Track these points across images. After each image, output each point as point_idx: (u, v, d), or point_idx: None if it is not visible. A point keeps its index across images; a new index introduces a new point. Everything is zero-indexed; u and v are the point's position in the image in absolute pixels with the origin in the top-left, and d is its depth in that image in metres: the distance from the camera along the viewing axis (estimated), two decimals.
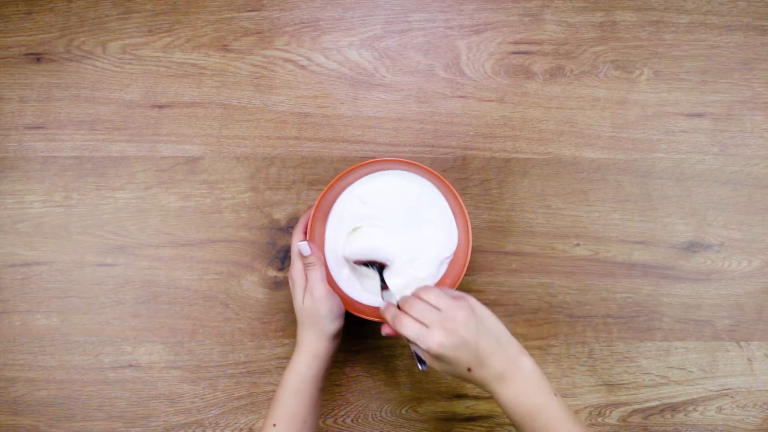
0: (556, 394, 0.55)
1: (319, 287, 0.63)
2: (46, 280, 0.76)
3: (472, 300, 0.57)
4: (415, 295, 0.58)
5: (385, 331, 0.59)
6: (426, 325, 0.55)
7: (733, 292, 0.76)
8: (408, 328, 0.55)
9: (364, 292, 0.69)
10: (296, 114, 0.77)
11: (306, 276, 0.64)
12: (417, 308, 0.56)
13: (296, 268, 0.64)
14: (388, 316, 0.58)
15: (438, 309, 0.56)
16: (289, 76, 0.78)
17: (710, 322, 0.76)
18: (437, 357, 0.54)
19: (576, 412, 0.76)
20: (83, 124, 0.77)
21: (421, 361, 0.58)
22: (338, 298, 0.65)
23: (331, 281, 0.67)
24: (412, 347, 0.58)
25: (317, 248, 0.65)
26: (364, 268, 0.68)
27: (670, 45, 0.78)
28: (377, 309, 0.68)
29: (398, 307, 0.59)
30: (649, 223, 0.77)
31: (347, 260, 0.68)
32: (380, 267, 0.68)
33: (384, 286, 0.66)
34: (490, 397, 0.75)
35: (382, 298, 0.64)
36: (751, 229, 0.77)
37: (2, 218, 0.77)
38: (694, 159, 0.77)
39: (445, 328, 0.54)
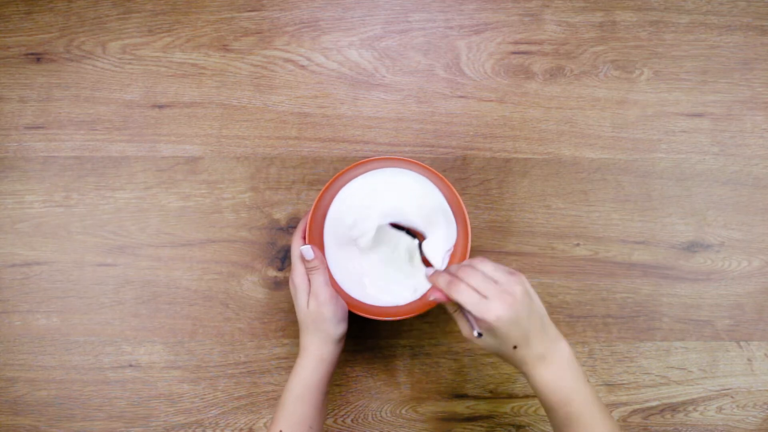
0: (588, 381, 0.55)
1: (324, 291, 0.63)
2: (46, 280, 0.76)
3: (525, 278, 0.56)
4: (470, 265, 0.57)
5: (435, 295, 0.57)
6: (484, 296, 0.53)
7: (733, 292, 0.76)
8: (466, 295, 0.54)
9: (369, 288, 0.68)
10: (296, 114, 0.77)
11: (309, 280, 0.64)
12: (475, 277, 0.55)
13: (298, 272, 0.64)
14: (441, 281, 0.56)
15: (495, 281, 0.54)
16: (289, 76, 0.78)
17: (710, 322, 0.76)
18: (490, 329, 0.53)
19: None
20: (83, 124, 0.77)
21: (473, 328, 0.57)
22: (342, 301, 0.65)
23: (333, 283, 0.67)
24: (459, 317, 0.56)
25: (319, 251, 0.65)
26: (396, 235, 0.67)
27: (670, 45, 0.78)
28: (381, 308, 0.67)
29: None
30: (649, 223, 0.77)
31: (380, 224, 0.67)
32: (414, 235, 0.67)
33: (423, 258, 0.65)
34: (491, 397, 0.75)
35: (423, 264, 0.63)
36: (751, 229, 0.77)
37: (2, 218, 0.77)
38: (694, 159, 0.77)
39: (505, 301, 0.53)
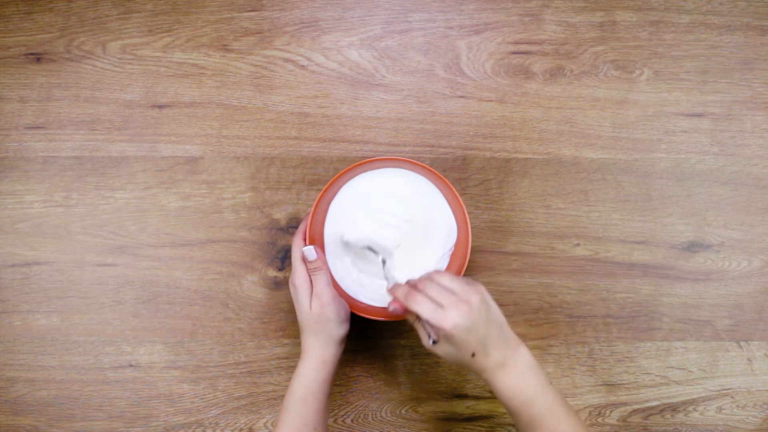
0: (551, 383, 0.57)
1: (327, 291, 0.63)
2: (46, 280, 0.76)
3: (482, 288, 0.57)
4: (428, 277, 0.58)
5: (393, 306, 0.58)
6: (441, 305, 0.55)
7: (733, 292, 0.76)
8: (423, 306, 0.55)
9: (367, 292, 0.69)
10: (296, 114, 0.77)
11: (311, 281, 0.64)
12: (431, 288, 0.56)
13: (299, 273, 0.64)
14: (400, 293, 0.58)
15: (452, 292, 0.56)
16: (289, 76, 0.78)
17: (710, 322, 0.76)
18: (447, 337, 0.54)
19: (576, 412, 0.76)
20: (83, 124, 0.77)
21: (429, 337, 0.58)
22: (344, 302, 0.65)
23: (334, 284, 0.67)
24: (419, 326, 0.58)
25: (321, 252, 0.65)
26: (368, 252, 0.68)
27: (670, 45, 0.78)
28: (381, 309, 0.67)
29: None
30: (649, 223, 0.77)
31: (348, 245, 0.68)
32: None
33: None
34: (491, 397, 0.75)
35: (386, 279, 0.64)
36: (751, 229, 0.77)
37: (2, 218, 0.77)
38: (694, 159, 0.77)
39: (461, 309, 0.54)
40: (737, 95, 0.78)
